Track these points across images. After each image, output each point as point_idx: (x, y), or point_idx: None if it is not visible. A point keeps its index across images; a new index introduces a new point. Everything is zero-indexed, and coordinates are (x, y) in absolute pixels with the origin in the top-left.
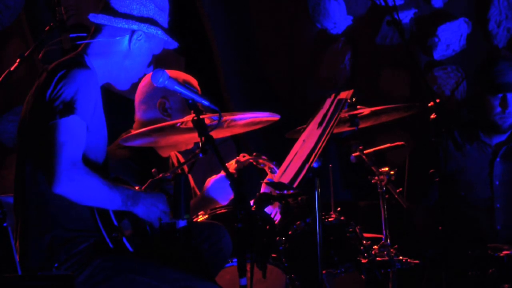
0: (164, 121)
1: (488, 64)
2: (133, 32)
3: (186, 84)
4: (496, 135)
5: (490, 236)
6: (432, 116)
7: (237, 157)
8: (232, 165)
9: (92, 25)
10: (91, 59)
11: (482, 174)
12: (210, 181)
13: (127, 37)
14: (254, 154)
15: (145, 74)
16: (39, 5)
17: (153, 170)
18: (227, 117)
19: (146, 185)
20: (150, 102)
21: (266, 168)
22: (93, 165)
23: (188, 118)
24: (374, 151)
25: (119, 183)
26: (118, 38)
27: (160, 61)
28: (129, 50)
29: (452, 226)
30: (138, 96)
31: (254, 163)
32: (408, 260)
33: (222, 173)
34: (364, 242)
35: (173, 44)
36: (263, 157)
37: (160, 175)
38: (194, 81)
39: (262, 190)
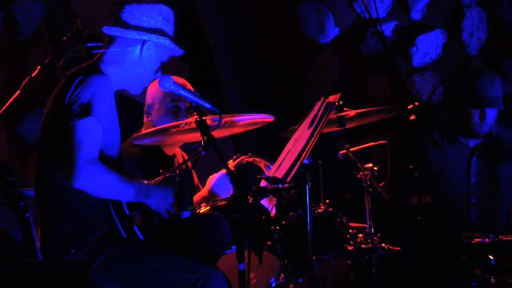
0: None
1: (471, 78)
2: (143, 42)
3: (189, 89)
4: (473, 138)
5: (465, 227)
6: (412, 117)
7: (234, 157)
8: (231, 163)
9: (106, 36)
10: (106, 66)
11: (460, 172)
12: (212, 177)
13: (138, 47)
14: (249, 154)
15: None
16: (57, 17)
17: (160, 171)
18: (226, 118)
19: (155, 180)
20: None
21: (262, 165)
22: (108, 161)
23: (192, 119)
24: (359, 149)
25: (132, 178)
26: (130, 48)
27: (165, 68)
28: (140, 58)
29: (430, 217)
30: (147, 100)
31: (251, 161)
32: (390, 247)
33: (223, 170)
34: (350, 231)
35: (179, 52)
36: (259, 156)
37: (167, 174)
38: (188, 85)
39: (259, 185)
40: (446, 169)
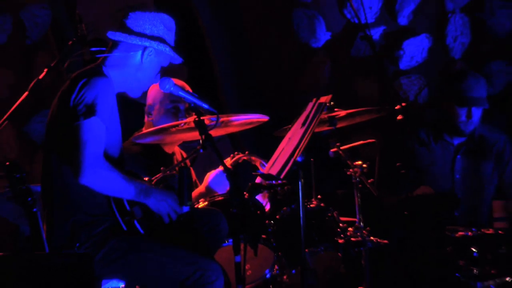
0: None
1: (457, 78)
2: (145, 48)
3: (188, 91)
4: (458, 137)
5: (449, 221)
6: (399, 117)
7: (232, 155)
8: (228, 161)
9: (110, 40)
10: (108, 69)
11: (445, 169)
12: (210, 174)
13: (140, 52)
14: (247, 152)
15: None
16: (63, 23)
17: (161, 168)
18: (223, 118)
19: (156, 177)
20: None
21: (257, 163)
22: (111, 159)
23: (190, 119)
24: (349, 147)
25: (134, 177)
26: (132, 53)
27: (165, 71)
28: (141, 63)
29: (416, 211)
30: (147, 101)
31: (247, 159)
32: (378, 240)
33: (220, 167)
34: (341, 225)
35: (178, 60)
36: (255, 156)
37: (168, 172)
38: (187, 86)
39: (254, 181)
40: (432, 166)
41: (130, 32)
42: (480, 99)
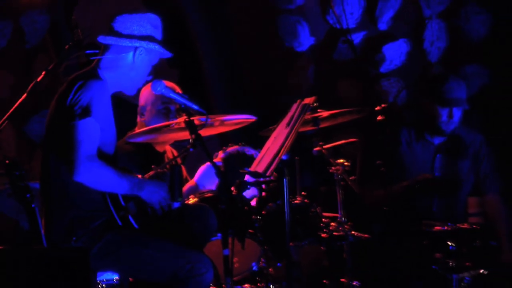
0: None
1: (440, 80)
2: (135, 48)
3: (179, 92)
4: (438, 136)
5: (427, 216)
6: (379, 117)
7: (224, 147)
8: (219, 154)
9: (102, 44)
10: (103, 72)
11: (426, 167)
12: (199, 171)
13: (131, 53)
14: (240, 143)
15: (146, 82)
16: (60, 28)
17: (152, 166)
18: (213, 118)
19: (148, 174)
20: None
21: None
22: (105, 157)
23: (181, 119)
24: (332, 146)
25: (126, 173)
26: (123, 54)
27: (157, 73)
28: (133, 63)
29: (395, 207)
30: (140, 102)
31: (240, 151)
32: (359, 234)
33: (209, 165)
34: (324, 220)
35: (168, 54)
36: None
37: (159, 169)
38: (178, 88)
39: (242, 178)
40: (413, 164)
41: (119, 35)
42: (461, 100)
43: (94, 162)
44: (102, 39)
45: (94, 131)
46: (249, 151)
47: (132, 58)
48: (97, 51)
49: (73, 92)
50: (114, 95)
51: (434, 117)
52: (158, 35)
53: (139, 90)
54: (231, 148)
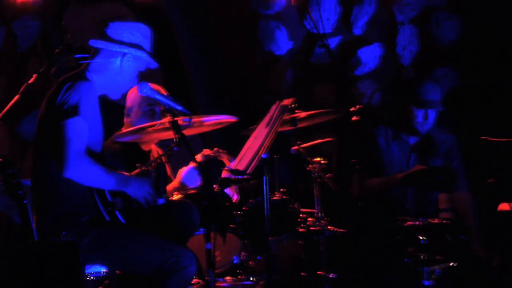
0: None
1: (416, 83)
2: (124, 54)
3: (164, 94)
4: (413, 136)
5: (401, 212)
6: (354, 118)
7: (203, 152)
8: (198, 157)
9: (92, 48)
10: (91, 74)
11: (401, 165)
12: (182, 170)
13: (119, 59)
14: (215, 149)
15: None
16: (51, 33)
17: (137, 165)
18: (196, 119)
19: (134, 172)
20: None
21: (225, 159)
22: (93, 155)
23: (165, 120)
24: (309, 145)
25: (113, 170)
26: (112, 59)
27: (143, 76)
28: (121, 68)
29: (370, 203)
30: (127, 103)
31: (216, 156)
32: (336, 229)
33: (192, 164)
34: (302, 215)
35: (154, 64)
36: (222, 151)
37: (144, 167)
38: (163, 90)
39: (223, 176)
40: (390, 162)
41: (110, 40)
42: (435, 102)
43: (83, 159)
44: (93, 43)
45: (83, 129)
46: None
47: (120, 63)
48: (86, 55)
49: (62, 93)
50: (101, 97)
51: (410, 118)
52: (147, 45)
53: (124, 95)
54: (207, 154)
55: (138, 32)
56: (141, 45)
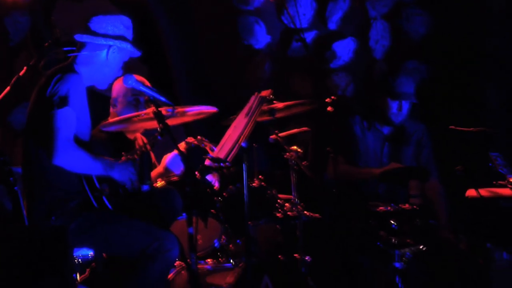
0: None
1: (391, 75)
2: (109, 46)
3: (148, 85)
4: (387, 126)
5: (373, 198)
6: (329, 108)
7: (186, 140)
8: (182, 145)
9: (78, 42)
10: (79, 66)
11: (375, 153)
12: (167, 156)
13: (105, 51)
14: (198, 137)
15: (117, 77)
16: (40, 27)
17: (123, 153)
18: (178, 109)
19: (121, 160)
20: (122, 99)
21: (208, 148)
22: (81, 143)
23: (149, 110)
24: (286, 134)
25: (99, 156)
26: (98, 51)
27: (129, 69)
28: (106, 60)
29: (344, 189)
30: (112, 94)
31: (198, 144)
32: (311, 214)
33: (175, 152)
34: (279, 201)
35: (138, 53)
36: (205, 140)
37: (129, 155)
38: (147, 82)
39: (205, 163)
40: (366, 151)
41: (95, 34)
42: (409, 94)
43: (71, 147)
44: (79, 37)
45: (71, 119)
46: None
47: (106, 55)
48: (73, 48)
49: (52, 85)
50: (89, 88)
51: (385, 109)
52: (130, 35)
53: (110, 85)
54: (190, 142)
55: (121, 24)
56: (125, 36)
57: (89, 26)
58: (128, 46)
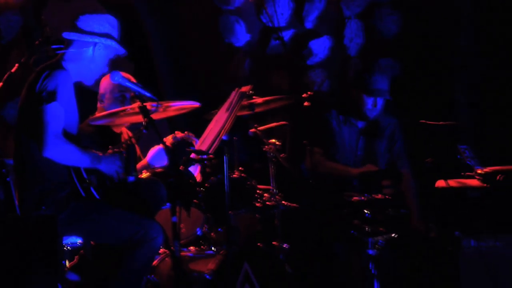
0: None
1: (367, 73)
2: (95, 44)
3: (134, 82)
4: (362, 121)
5: (348, 189)
6: (306, 103)
7: (175, 133)
8: (169, 139)
9: (65, 40)
10: (66, 63)
11: (351, 146)
12: (152, 150)
13: (91, 48)
14: (186, 132)
15: (104, 74)
16: (31, 26)
17: (110, 147)
18: (163, 104)
19: (107, 153)
20: (109, 94)
21: (194, 142)
22: (70, 137)
23: (135, 105)
24: (265, 128)
25: (87, 149)
26: (85, 48)
27: (116, 66)
28: (93, 56)
29: (320, 180)
30: (100, 90)
31: (185, 138)
32: (289, 204)
33: (158, 147)
34: (258, 191)
35: (123, 51)
36: (191, 134)
37: (115, 148)
38: (133, 78)
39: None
40: (342, 144)
41: (81, 32)
42: (384, 91)
43: (60, 140)
44: (67, 35)
45: (60, 113)
46: (193, 139)
47: (92, 52)
48: (61, 46)
49: (41, 81)
50: (76, 84)
51: (360, 105)
52: (115, 33)
53: (97, 80)
54: (179, 136)
55: (106, 23)
56: (110, 34)
57: (76, 24)
58: (113, 44)
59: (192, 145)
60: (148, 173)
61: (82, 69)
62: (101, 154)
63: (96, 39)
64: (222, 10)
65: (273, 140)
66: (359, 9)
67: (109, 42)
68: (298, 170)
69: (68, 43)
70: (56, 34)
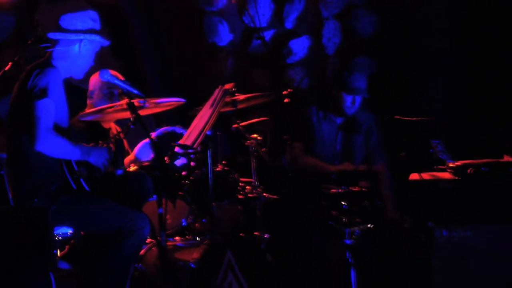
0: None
1: (347, 71)
2: (81, 40)
3: (122, 79)
4: (341, 117)
5: (326, 181)
6: (286, 100)
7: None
8: (153, 133)
9: (52, 39)
10: (55, 61)
11: (330, 141)
12: (139, 144)
13: (77, 45)
14: (177, 125)
15: (94, 71)
16: (24, 26)
17: (100, 142)
18: (150, 101)
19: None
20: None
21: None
22: (60, 130)
23: (123, 102)
24: (247, 123)
25: (77, 143)
26: (71, 46)
27: (104, 64)
28: (79, 52)
29: (299, 173)
30: (89, 87)
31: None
32: (270, 196)
33: (147, 140)
34: (241, 184)
35: (107, 43)
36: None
37: (104, 143)
38: (121, 76)
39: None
40: (321, 139)
41: (66, 31)
42: (362, 89)
43: (52, 134)
44: (52, 35)
45: (51, 109)
46: (179, 130)
47: (79, 48)
48: (50, 44)
49: (32, 78)
50: (66, 80)
51: (339, 102)
52: (97, 26)
53: (87, 75)
54: (164, 128)
55: (88, 18)
56: (94, 28)
57: (60, 24)
58: (97, 38)
59: (175, 139)
60: (135, 167)
61: (71, 65)
62: (91, 145)
63: (81, 36)
64: (206, 11)
65: (255, 135)
66: (336, 10)
67: (93, 37)
68: (279, 164)
69: (55, 42)
70: (47, 34)
